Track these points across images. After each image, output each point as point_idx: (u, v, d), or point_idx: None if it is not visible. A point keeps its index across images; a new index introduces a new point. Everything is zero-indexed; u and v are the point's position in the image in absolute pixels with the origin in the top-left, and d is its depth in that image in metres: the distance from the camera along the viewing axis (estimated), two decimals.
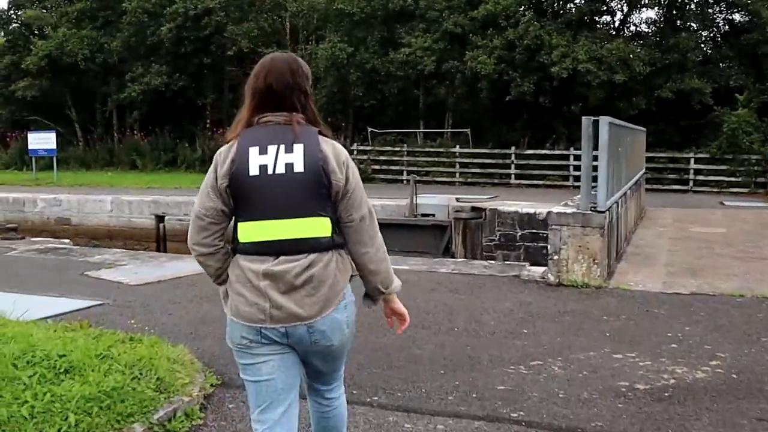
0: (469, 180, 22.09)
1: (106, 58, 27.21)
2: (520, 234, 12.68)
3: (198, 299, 6.27)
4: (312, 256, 2.75)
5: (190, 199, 15.64)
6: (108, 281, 7.30)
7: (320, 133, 2.81)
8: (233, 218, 2.81)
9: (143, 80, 26.02)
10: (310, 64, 21.18)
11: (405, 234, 13.81)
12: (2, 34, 29.95)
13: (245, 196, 2.75)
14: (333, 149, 2.79)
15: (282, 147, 2.75)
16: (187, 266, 8.01)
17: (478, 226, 12.90)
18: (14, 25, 29.61)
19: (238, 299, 2.78)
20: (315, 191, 2.75)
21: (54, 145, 23.65)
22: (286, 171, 2.73)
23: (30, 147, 24.44)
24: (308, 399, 3.15)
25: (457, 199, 14.19)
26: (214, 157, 2.81)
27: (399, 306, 3.02)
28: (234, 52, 24.65)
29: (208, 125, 27.24)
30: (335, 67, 23.60)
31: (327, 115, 25.41)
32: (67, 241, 11.15)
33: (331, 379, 3.10)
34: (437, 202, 14.13)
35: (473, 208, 13.07)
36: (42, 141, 23.87)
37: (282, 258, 2.73)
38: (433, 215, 13.79)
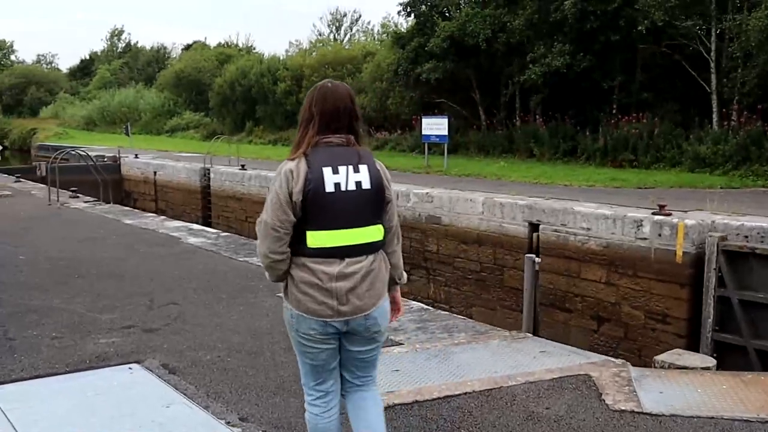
0: None
1: (509, 37, 25.42)
2: None
3: None
4: (371, 257, 3.43)
5: (568, 207, 12.98)
6: None
7: None
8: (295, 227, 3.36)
9: (544, 61, 23.70)
10: (739, 38, 16.81)
11: None
12: (412, 16, 29.75)
13: (320, 210, 3.32)
14: (381, 167, 3.52)
15: (350, 167, 3.37)
16: (487, 363, 5.48)
17: None
18: (423, 7, 29.15)
19: (307, 298, 3.37)
20: (377, 204, 3.46)
21: (446, 132, 22.49)
22: (356, 188, 3.36)
23: (423, 132, 23.65)
24: (348, 401, 3.65)
25: None
26: (283, 173, 3.36)
27: (399, 296, 3.82)
28: (646, 27, 21.10)
29: (614, 111, 24.11)
30: None
31: (756, 101, 20.72)
32: None
33: (368, 377, 3.63)
34: None
35: None
36: (435, 126, 22.90)
37: (348, 260, 3.35)
38: None
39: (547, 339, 6.81)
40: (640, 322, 11.88)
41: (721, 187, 17.17)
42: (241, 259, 9.88)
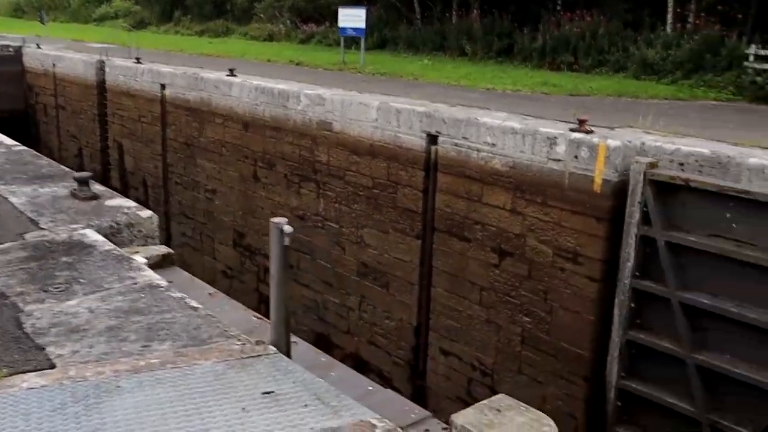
0: None
1: None
2: None
3: None
4: None
5: (472, 117, 10.56)
6: None
7: None
8: None
9: None
10: None
11: None
12: None
13: None
14: None
15: None
16: (153, 420, 3.09)
17: None
18: None
19: None
20: None
21: (363, 24, 19.68)
22: None
23: (340, 24, 20.82)
24: None
25: None
26: None
27: None
28: None
29: (557, 8, 21.47)
30: None
31: (717, 1, 18.25)
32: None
33: None
34: None
35: None
36: (351, 18, 20.05)
37: None
38: None
39: (297, 362, 4.27)
40: (548, 259, 9.70)
41: (666, 99, 14.88)
42: None
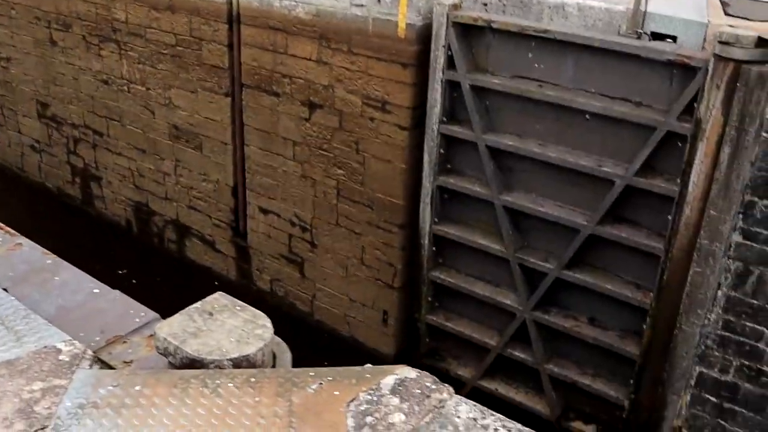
0: None
1: None
2: None
3: None
4: None
5: None
6: None
7: None
8: None
9: None
10: None
11: (612, 69, 7.53)
12: None
13: None
14: None
15: None
16: None
17: (761, 81, 6.37)
18: None
19: None
20: None
21: None
22: None
23: None
24: None
25: (727, 12, 7.45)
26: None
27: None
28: None
29: None
30: None
31: None
32: None
33: None
34: (685, 15, 7.41)
35: (762, 41, 6.39)
36: None
37: None
38: (674, 39, 7.24)
39: (19, 268, 3.68)
40: (357, 109, 9.45)
41: None
42: None
